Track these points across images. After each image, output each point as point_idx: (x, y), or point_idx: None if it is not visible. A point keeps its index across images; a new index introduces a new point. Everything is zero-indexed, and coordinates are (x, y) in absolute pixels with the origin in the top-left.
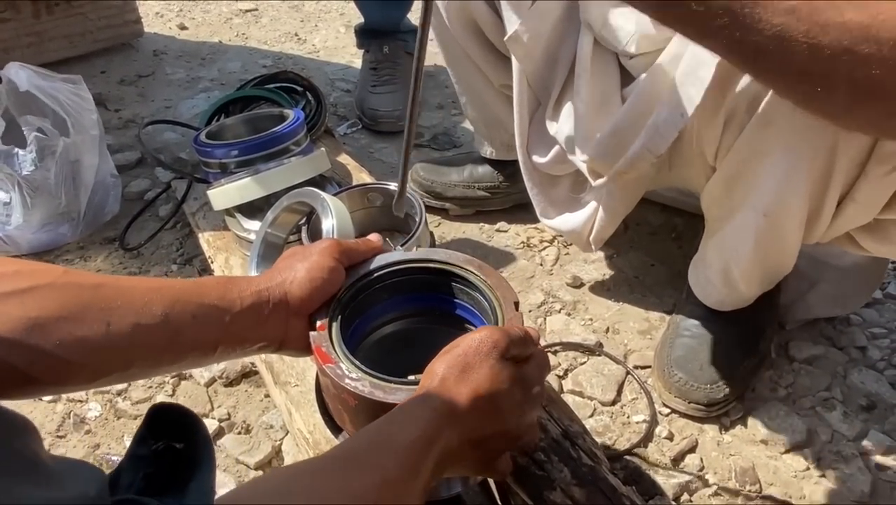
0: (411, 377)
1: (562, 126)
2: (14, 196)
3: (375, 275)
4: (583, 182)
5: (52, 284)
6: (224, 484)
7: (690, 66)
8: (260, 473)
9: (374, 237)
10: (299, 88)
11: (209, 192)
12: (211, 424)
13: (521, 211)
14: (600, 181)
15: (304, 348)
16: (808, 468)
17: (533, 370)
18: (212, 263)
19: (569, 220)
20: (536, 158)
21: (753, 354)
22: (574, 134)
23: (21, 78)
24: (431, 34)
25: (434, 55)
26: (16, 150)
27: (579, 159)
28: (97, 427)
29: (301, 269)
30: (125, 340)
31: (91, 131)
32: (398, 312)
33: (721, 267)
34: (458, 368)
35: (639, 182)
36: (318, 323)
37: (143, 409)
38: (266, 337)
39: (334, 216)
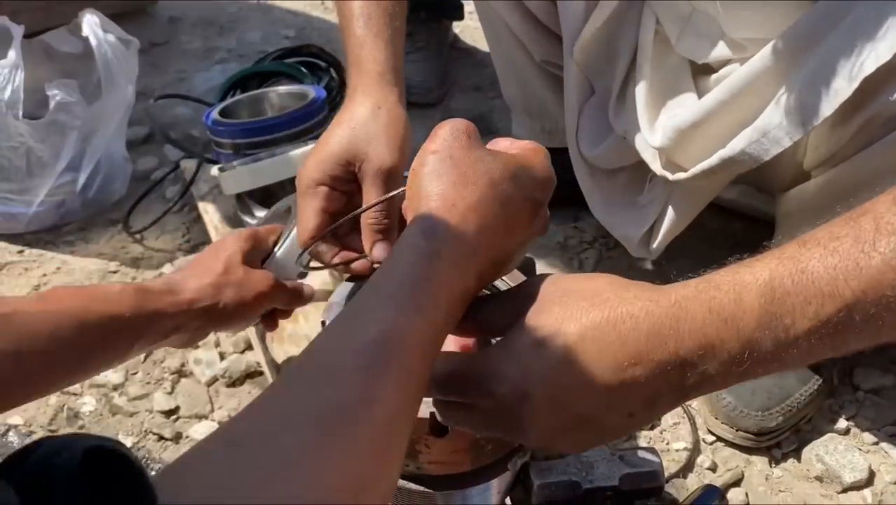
0: None
1: (628, 117)
2: (16, 170)
3: None
4: (642, 178)
5: None
6: None
7: (819, 73)
8: None
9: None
10: (322, 64)
11: (220, 174)
12: (210, 426)
13: (558, 208)
14: (681, 175)
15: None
16: None
17: (530, 155)
18: None
19: (629, 221)
20: (587, 151)
21: (813, 381)
22: (640, 124)
23: (91, 24)
24: (470, 5)
25: (473, 30)
26: (27, 121)
27: (649, 151)
28: (91, 422)
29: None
30: (38, 368)
31: (119, 106)
32: None
33: None
34: (452, 178)
35: (721, 180)
36: (334, 301)
37: (140, 405)
38: (180, 330)
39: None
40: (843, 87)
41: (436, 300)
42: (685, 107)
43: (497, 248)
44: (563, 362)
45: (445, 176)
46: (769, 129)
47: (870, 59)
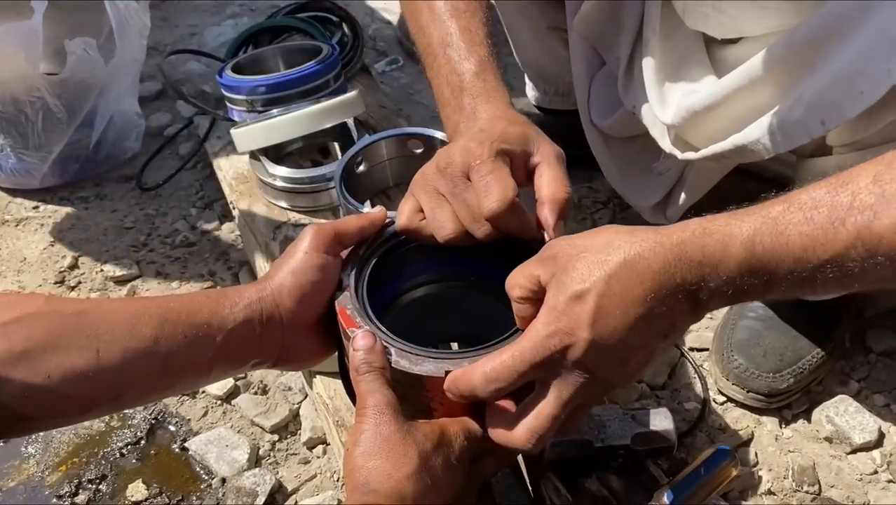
0: (442, 347)
1: (636, 91)
2: (32, 126)
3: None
4: (657, 146)
5: (36, 313)
6: (238, 446)
7: (846, 72)
8: (276, 436)
9: (377, 210)
10: (335, 19)
11: (233, 131)
12: (226, 382)
13: (572, 167)
14: (691, 155)
15: (304, 362)
16: (875, 472)
17: (448, 425)
18: (234, 209)
19: (644, 189)
20: (599, 121)
21: (825, 343)
22: (650, 98)
23: None
24: None
25: None
26: (44, 76)
27: (658, 128)
28: None
29: (286, 272)
30: (116, 367)
31: (132, 62)
32: (432, 274)
33: None
34: (384, 453)
35: (731, 163)
36: (345, 283)
37: None
38: (261, 353)
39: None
40: (870, 90)
41: None
42: (700, 84)
43: None
44: (600, 307)
45: (378, 452)
46: (788, 122)
47: None
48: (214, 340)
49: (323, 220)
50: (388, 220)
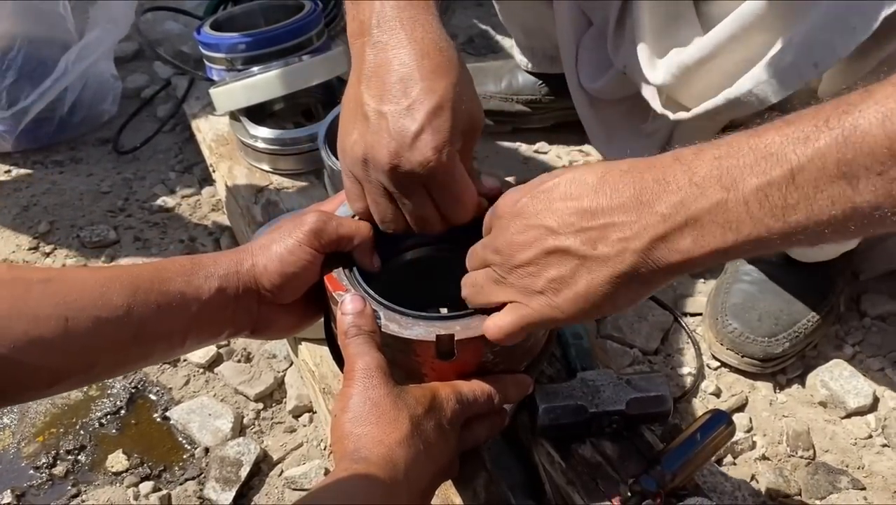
0: (431, 311)
1: (627, 51)
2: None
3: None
4: (646, 105)
5: None
6: (221, 415)
7: (836, 9)
8: (260, 405)
9: (363, 226)
10: None
11: (212, 91)
12: (209, 350)
13: (564, 130)
14: (682, 115)
15: (280, 332)
16: (870, 436)
17: (440, 388)
18: (213, 171)
19: (632, 151)
20: (587, 83)
21: (820, 307)
22: (640, 59)
23: None
24: None
25: None
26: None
27: (650, 89)
28: None
29: (274, 255)
30: (86, 337)
31: (112, 24)
32: (420, 238)
33: None
34: (374, 418)
35: (724, 120)
36: None
37: None
38: (235, 324)
39: None
40: (862, 24)
41: None
42: (689, 42)
43: (424, 481)
44: (583, 202)
45: (367, 417)
46: (779, 68)
47: None
48: (189, 310)
49: (325, 200)
50: None
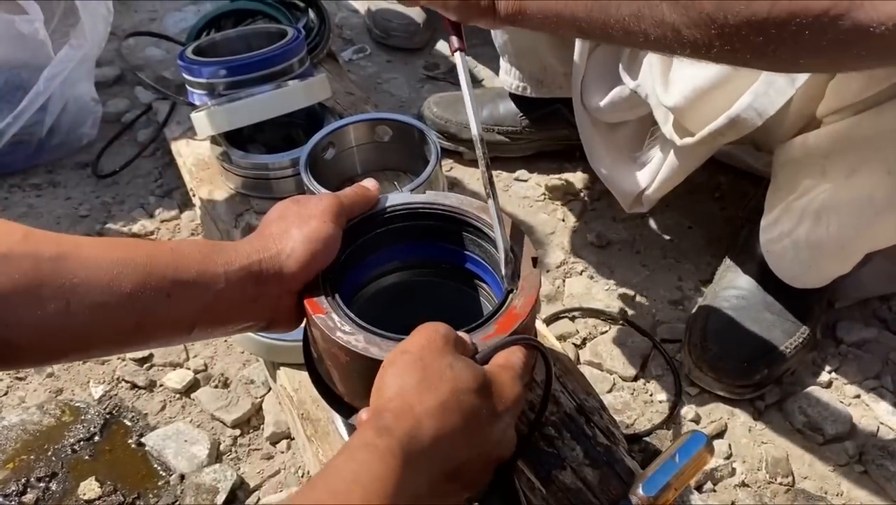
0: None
1: (641, 70)
2: None
3: (378, 218)
4: (643, 133)
5: (8, 253)
6: (197, 441)
7: None
8: (237, 431)
9: (369, 183)
10: (301, 4)
11: (193, 115)
12: (185, 375)
13: (544, 159)
14: (688, 140)
15: (293, 324)
16: (847, 463)
17: (500, 372)
18: (193, 196)
19: (626, 177)
20: (591, 103)
21: (798, 334)
22: (654, 80)
23: None
24: None
25: None
26: None
27: (661, 110)
28: (61, 371)
29: (298, 238)
30: (85, 322)
31: (91, 46)
32: (400, 261)
33: (808, 234)
34: (415, 379)
35: (724, 142)
36: None
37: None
38: (254, 317)
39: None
40: None
41: (386, 502)
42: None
43: (453, 460)
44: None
45: (408, 376)
46: (776, 78)
47: None
48: (200, 300)
49: (326, 191)
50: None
